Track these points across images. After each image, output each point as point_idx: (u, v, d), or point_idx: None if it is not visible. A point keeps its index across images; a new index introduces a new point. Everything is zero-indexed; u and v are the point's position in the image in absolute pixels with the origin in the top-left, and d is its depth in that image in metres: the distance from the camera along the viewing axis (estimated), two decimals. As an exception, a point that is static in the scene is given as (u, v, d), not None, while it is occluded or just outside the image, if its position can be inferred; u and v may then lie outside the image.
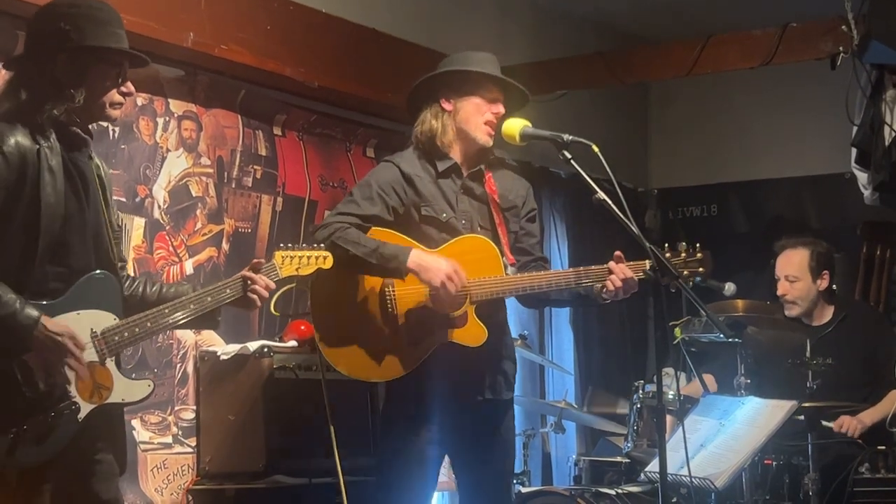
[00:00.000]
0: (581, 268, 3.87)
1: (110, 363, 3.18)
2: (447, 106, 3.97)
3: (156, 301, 3.36)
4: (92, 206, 3.24)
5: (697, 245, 3.80)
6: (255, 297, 3.39)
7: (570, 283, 3.86)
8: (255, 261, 3.44)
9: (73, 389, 3.09)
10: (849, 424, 5.18)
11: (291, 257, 3.54)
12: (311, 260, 3.59)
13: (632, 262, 3.79)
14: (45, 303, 3.09)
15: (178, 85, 5.14)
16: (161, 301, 3.35)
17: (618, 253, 3.81)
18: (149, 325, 3.23)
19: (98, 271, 3.21)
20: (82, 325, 3.14)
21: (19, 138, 3.07)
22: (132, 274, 4.66)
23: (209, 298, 3.33)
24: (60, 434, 3.07)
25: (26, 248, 3.08)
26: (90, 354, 3.13)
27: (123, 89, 3.25)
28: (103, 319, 3.19)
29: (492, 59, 4.03)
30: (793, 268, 5.52)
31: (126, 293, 3.36)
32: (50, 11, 3.22)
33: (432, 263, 3.77)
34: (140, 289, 3.40)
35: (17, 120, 3.11)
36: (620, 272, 3.76)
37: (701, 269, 3.78)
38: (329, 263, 3.65)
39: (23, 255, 3.08)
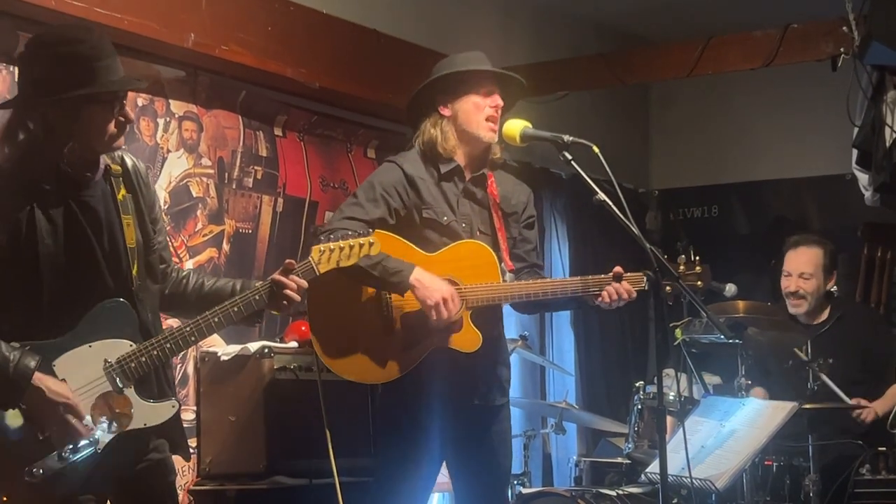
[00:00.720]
0: (578, 277, 3.88)
1: (129, 391, 3.12)
2: (445, 112, 3.97)
3: (195, 301, 3.33)
4: (107, 237, 3.15)
5: (697, 258, 3.79)
6: (285, 302, 3.30)
7: (566, 292, 3.86)
8: (288, 261, 3.32)
9: (89, 422, 3.04)
10: (865, 411, 5.20)
11: (331, 250, 3.39)
12: (355, 249, 3.42)
13: (630, 274, 3.79)
14: (52, 341, 3.04)
15: (178, 85, 5.14)
16: (200, 299, 3.32)
17: (618, 269, 3.80)
18: (168, 346, 3.16)
19: (110, 300, 3.14)
20: (95, 357, 3.09)
21: (7, 197, 3.02)
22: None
23: (236, 309, 3.24)
24: (79, 468, 3.02)
25: (31, 301, 3.05)
26: (104, 386, 3.08)
27: (121, 118, 3.12)
28: (118, 348, 3.13)
29: (480, 56, 4.02)
30: (808, 265, 5.52)
31: (170, 290, 3.35)
32: (36, 53, 3.09)
33: (432, 283, 3.77)
34: (183, 283, 3.38)
35: (12, 173, 3.04)
36: (624, 292, 3.77)
37: (699, 283, 3.78)
38: (377, 249, 3.50)
39: (28, 308, 3.05)
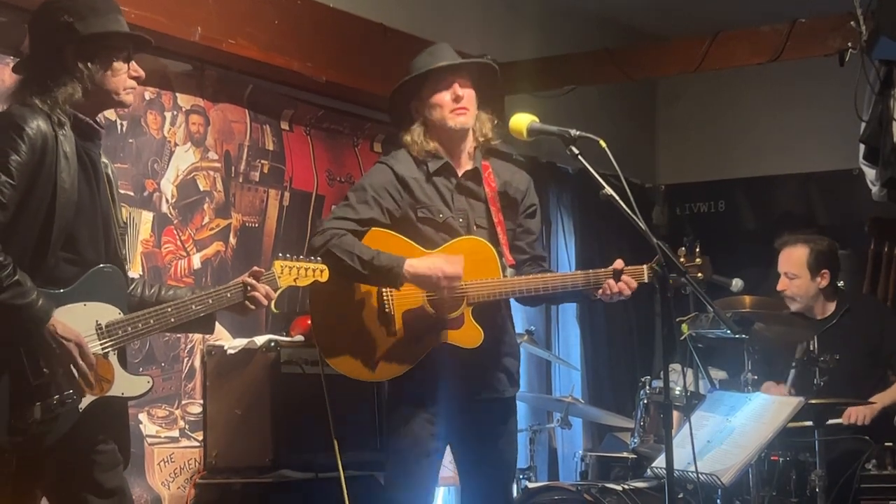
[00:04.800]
0: (580, 272, 3.88)
1: (112, 357, 3.22)
2: (417, 115, 3.98)
3: (154, 303, 3.40)
4: (102, 197, 3.28)
5: (697, 249, 3.78)
6: (251, 304, 3.46)
7: (567, 286, 3.86)
8: (255, 269, 3.51)
9: (75, 380, 3.12)
10: (857, 413, 5.18)
11: (290, 268, 3.63)
12: (309, 272, 3.68)
13: (630, 267, 3.78)
14: (54, 291, 3.12)
15: (185, 79, 5.15)
16: (160, 302, 3.38)
17: (619, 263, 3.79)
18: (152, 322, 3.28)
19: (106, 265, 3.25)
20: (88, 316, 3.18)
21: (40, 122, 3.12)
22: (140, 272, 4.72)
23: (210, 300, 3.38)
24: (61, 422, 3.10)
25: (41, 232, 3.12)
26: (94, 347, 3.16)
27: (133, 73, 3.30)
28: (109, 313, 3.23)
29: (441, 49, 4.00)
30: (792, 265, 5.52)
31: (130, 291, 3.40)
32: (50, 7, 3.27)
33: (427, 269, 3.77)
34: (139, 290, 3.43)
35: (34, 106, 3.16)
36: (626, 287, 3.76)
37: (700, 276, 3.77)
38: (326, 276, 3.72)
39: (37, 240, 3.11)
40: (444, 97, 3.91)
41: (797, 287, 5.51)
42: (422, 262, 3.79)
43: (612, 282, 3.77)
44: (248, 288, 3.45)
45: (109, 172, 3.37)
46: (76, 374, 3.10)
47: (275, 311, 4.88)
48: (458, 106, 3.90)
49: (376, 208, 3.89)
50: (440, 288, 3.77)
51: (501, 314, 4.02)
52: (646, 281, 3.76)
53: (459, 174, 3.98)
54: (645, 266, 3.74)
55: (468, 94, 3.92)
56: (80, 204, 3.17)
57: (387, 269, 3.78)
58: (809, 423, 4.97)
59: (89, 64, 3.21)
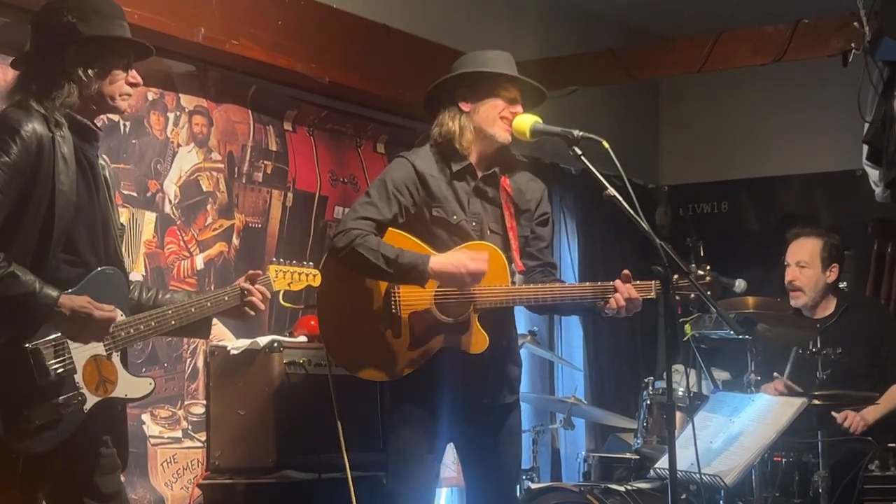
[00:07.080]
0: (587, 283, 3.88)
1: (115, 358, 3.23)
2: (465, 108, 3.96)
3: (151, 306, 3.41)
4: (101, 198, 3.29)
5: (708, 267, 3.78)
6: (248, 310, 3.50)
7: (574, 297, 3.86)
8: (252, 272, 3.55)
9: (80, 380, 3.14)
10: (851, 420, 5.18)
11: (284, 272, 3.71)
12: (302, 277, 3.77)
13: (638, 283, 3.78)
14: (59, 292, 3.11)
15: (188, 80, 5.15)
16: (157, 306, 3.40)
17: (626, 272, 3.79)
18: (153, 324, 3.29)
19: (108, 267, 3.26)
20: None
21: (35, 125, 3.11)
22: (143, 273, 4.73)
23: (209, 304, 3.41)
24: (67, 423, 3.11)
25: (41, 235, 3.12)
26: (98, 348, 3.17)
27: (131, 80, 3.30)
28: None
29: (507, 58, 4.02)
30: (804, 254, 5.53)
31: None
32: (56, 5, 3.27)
33: (452, 266, 3.77)
34: (136, 293, 3.44)
35: (30, 108, 3.16)
36: (625, 291, 3.76)
37: (707, 293, 3.77)
38: (318, 281, 3.82)
39: (38, 242, 3.12)
40: (502, 106, 3.93)
41: (807, 277, 5.51)
42: (446, 259, 3.81)
43: (618, 296, 3.76)
44: (246, 293, 3.48)
45: (107, 174, 3.38)
46: (100, 321, 3.09)
47: (284, 304, 4.88)
48: (508, 118, 3.92)
49: (396, 206, 3.90)
50: (465, 284, 3.78)
51: (507, 320, 4.02)
52: (653, 297, 3.76)
53: (479, 176, 3.98)
54: (653, 283, 3.73)
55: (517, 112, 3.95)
56: (79, 205, 3.18)
57: (412, 266, 3.78)
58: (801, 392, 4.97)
59: (88, 68, 3.21)
